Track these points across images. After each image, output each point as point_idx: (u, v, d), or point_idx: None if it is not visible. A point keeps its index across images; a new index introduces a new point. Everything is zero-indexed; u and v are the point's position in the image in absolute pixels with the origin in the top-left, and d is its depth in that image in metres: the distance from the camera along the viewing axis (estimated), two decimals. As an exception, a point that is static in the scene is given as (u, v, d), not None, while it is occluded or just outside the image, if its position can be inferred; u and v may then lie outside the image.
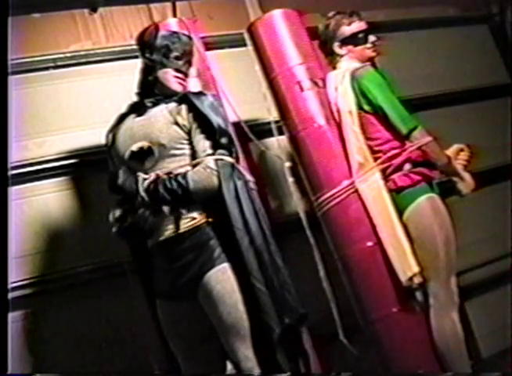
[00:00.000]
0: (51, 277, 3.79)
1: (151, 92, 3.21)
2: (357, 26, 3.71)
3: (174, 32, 3.32)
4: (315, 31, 3.78)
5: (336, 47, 3.73)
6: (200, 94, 3.21)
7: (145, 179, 3.01)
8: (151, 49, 3.20)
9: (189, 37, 3.29)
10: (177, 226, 3.02)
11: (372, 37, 3.71)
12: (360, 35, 3.70)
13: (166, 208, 3.01)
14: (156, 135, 3.07)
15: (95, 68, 4.23)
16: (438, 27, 5.27)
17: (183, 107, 3.12)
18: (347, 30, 3.71)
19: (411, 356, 3.49)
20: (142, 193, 2.99)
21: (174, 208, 3.02)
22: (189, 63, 3.25)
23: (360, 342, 3.66)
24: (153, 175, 3.01)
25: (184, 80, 3.23)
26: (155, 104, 3.17)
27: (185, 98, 3.16)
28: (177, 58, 3.19)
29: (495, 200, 4.84)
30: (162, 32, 3.28)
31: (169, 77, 3.19)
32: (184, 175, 2.98)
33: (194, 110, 3.10)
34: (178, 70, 3.19)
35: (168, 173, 3.01)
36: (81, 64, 4.20)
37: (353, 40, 3.70)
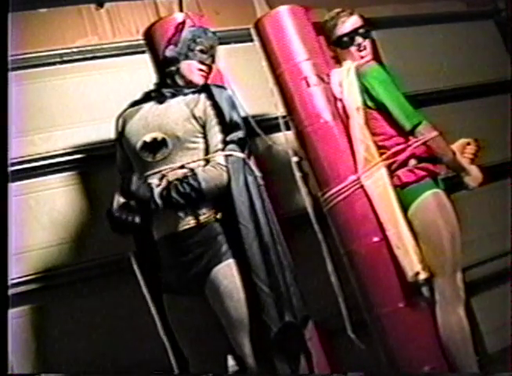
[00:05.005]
0: (57, 272, 3.80)
1: (173, 81, 3.20)
2: (340, 29, 3.66)
3: (201, 27, 3.32)
4: (322, 26, 3.77)
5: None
6: (219, 86, 3.22)
7: (158, 186, 3.00)
8: (176, 42, 3.20)
9: (214, 33, 3.29)
10: (186, 221, 3.02)
11: (359, 39, 3.64)
12: (345, 39, 3.65)
13: (181, 212, 3.01)
14: (172, 127, 3.06)
15: (101, 63, 4.24)
16: (445, 22, 5.25)
17: (201, 98, 3.12)
18: (334, 33, 3.68)
19: (417, 352, 3.48)
20: (158, 200, 2.98)
21: (186, 206, 3.02)
22: (212, 58, 3.25)
23: (366, 338, 3.66)
24: (164, 182, 3.01)
25: (207, 73, 3.23)
26: (174, 95, 3.16)
27: (204, 88, 3.16)
28: (202, 51, 3.19)
29: (495, 196, 4.83)
30: (189, 26, 3.28)
31: (193, 69, 3.19)
32: (194, 177, 2.97)
33: (211, 101, 3.10)
34: (202, 63, 3.19)
35: (178, 178, 2.99)
36: (87, 59, 4.21)
37: (339, 43, 3.68)
